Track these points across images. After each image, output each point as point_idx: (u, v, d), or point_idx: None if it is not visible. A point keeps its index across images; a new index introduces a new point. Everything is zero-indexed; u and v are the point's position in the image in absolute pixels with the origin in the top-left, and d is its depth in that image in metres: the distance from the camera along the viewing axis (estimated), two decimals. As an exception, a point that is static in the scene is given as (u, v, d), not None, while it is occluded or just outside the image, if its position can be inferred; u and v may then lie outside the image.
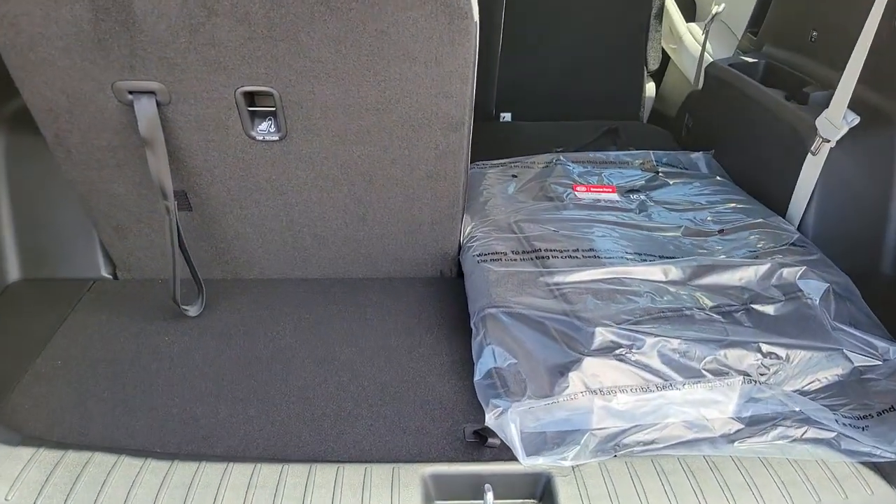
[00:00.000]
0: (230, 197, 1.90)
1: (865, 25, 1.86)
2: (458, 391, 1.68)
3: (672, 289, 1.80)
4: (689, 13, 3.83)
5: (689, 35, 3.52)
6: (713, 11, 3.11)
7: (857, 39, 1.89)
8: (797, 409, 1.53)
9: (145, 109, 1.66)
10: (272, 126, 1.75)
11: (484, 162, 2.54)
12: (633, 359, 1.58)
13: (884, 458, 1.45)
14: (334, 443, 1.53)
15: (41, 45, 1.57)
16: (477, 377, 1.64)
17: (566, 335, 1.65)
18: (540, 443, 1.47)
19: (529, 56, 3.38)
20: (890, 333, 1.74)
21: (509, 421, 1.48)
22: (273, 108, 1.71)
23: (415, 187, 1.89)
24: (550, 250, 1.93)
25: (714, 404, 1.54)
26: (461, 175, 1.88)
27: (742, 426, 1.51)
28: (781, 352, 1.61)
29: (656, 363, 1.58)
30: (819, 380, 1.62)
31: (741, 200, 2.26)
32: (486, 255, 1.94)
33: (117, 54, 1.59)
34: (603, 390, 1.53)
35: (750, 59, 2.65)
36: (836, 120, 1.95)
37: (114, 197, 1.89)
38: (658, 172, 2.49)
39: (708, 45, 3.14)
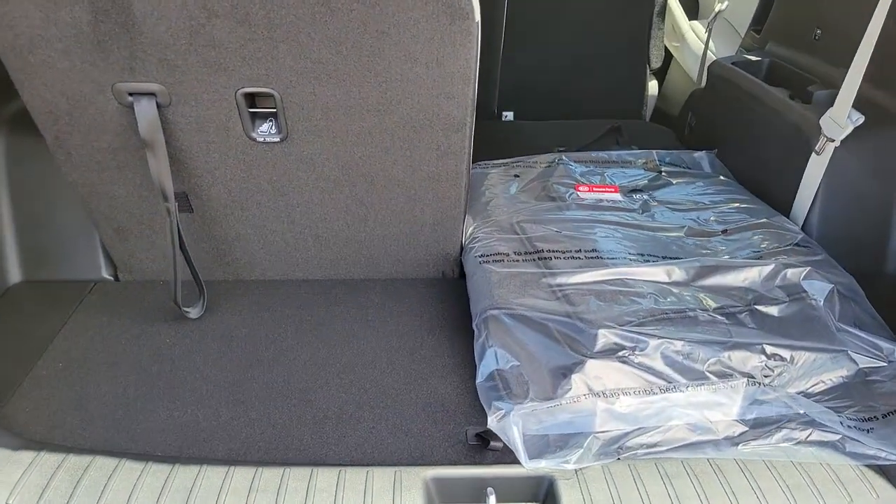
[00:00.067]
0: (231, 198, 1.89)
1: (870, 23, 1.85)
2: (460, 393, 1.67)
3: (675, 290, 1.79)
4: (692, 11, 3.81)
5: (692, 33, 3.51)
6: (716, 9, 3.10)
7: (861, 38, 1.87)
8: (802, 412, 1.52)
9: (145, 111, 1.65)
10: (273, 127, 1.75)
11: (486, 162, 2.53)
12: (636, 361, 1.57)
13: (889, 460, 1.44)
14: (336, 446, 1.53)
15: (40, 48, 1.56)
16: (479, 379, 1.63)
17: (569, 337, 1.64)
18: (542, 446, 1.46)
19: (531, 54, 3.37)
20: (895, 334, 1.72)
21: (512, 423, 1.47)
22: (274, 110, 1.70)
23: (416, 188, 1.88)
24: (553, 251, 1.92)
25: (718, 406, 1.53)
26: (463, 176, 1.87)
27: (746, 429, 1.51)
28: (786, 353, 1.60)
29: (660, 365, 1.57)
30: (823, 381, 1.60)
31: (745, 200, 2.24)
32: (488, 256, 1.93)
33: (117, 56, 1.58)
34: (606, 393, 1.52)
35: (753, 58, 2.64)
36: (840, 119, 1.93)
37: (114, 199, 1.88)
38: (661, 172, 2.48)
39: (711, 43, 3.12)
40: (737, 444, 1.47)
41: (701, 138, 2.87)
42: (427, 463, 1.47)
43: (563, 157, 2.53)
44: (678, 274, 1.84)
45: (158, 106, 1.67)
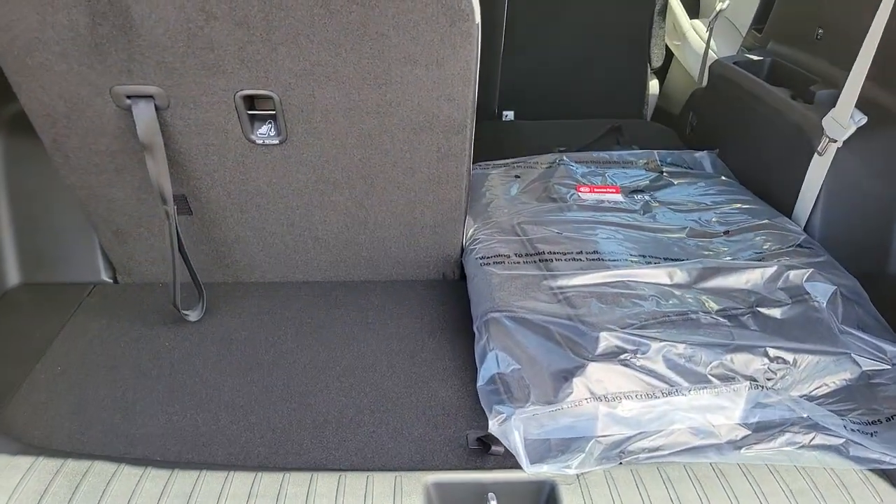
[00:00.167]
0: (230, 201, 1.88)
1: (873, 23, 1.83)
2: (460, 397, 1.67)
3: (677, 292, 1.78)
4: (693, 10, 3.80)
5: (693, 32, 3.49)
6: (717, 8, 3.08)
7: (864, 37, 1.86)
8: (805, 415, 1.51)
9: (144, 114, 1.65)
10: (272, 130, 1.74)
11: (487, 163, 2.52)
12: (638, 364, 1.56)
13: (893, 464, 1.43)
14: (336, 450, 1.52)
15: (38, 50, 1.55)
16: (480, 383, 1.62)
17: (570, 340, 1.63)
18: (544, 450, 1.45)
19: (532, 54, 3.36)
20: (899, 336, 1.72)
21: (513, 428, 1.46)
22: (273, 112, 1.69)
23: (416, 190, 1.87)
24: (554, 253, 1.91)
25: (720, 410, 1.52)
26: (463, 178, 1.86)
27: (749, 432, 1.49)
28: (788, 356, 1.59)
29: (662, 368, 1.56)
30: (827, 384, 1.59)
31: (747, 201, 2.23)
32: (488, 257, 1.92)
33: (115, 59, 1.57)
34: (608, 396, 1.51)
35: (755, 57, 2.62)
36: (843, 119, 1.92)
37: (113, 201, 1.87)
38: (662, 172, 2.47)
39: (712, 42, 3.11)
40: (739, 448, 1.46)
41: (702, 138, 2.86)
42: (428, 468, 1.46)
43: (564, 158, 2.52)
44: (680, 276, 1.82)
45: (157, 108, 1.66)
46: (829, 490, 1.38)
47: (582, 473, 1.41)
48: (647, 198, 2.27)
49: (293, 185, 1.85)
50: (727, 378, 1.56)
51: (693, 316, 1.70)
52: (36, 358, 1.78)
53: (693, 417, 1.50)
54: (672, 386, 1.53)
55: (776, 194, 2.23)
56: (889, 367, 1.62)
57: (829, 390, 1.59)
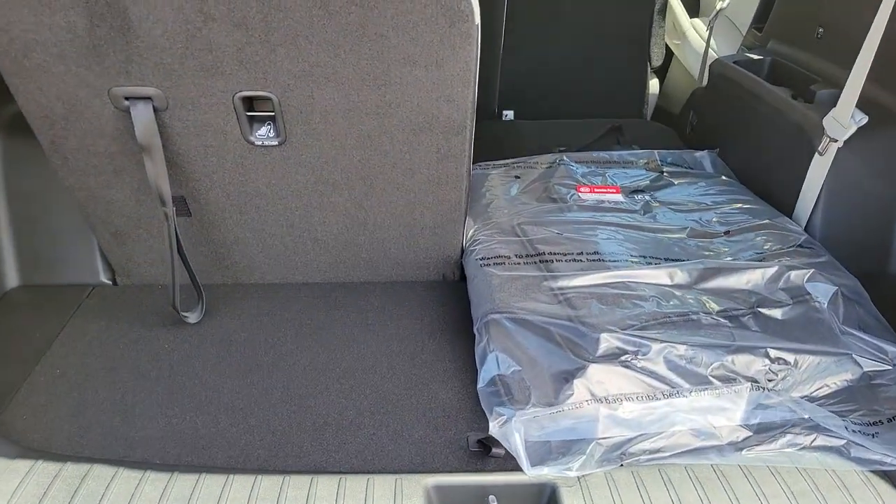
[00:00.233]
0: (229, 202, 1.88)
1: (874, 22, 1.83)
2: (461, 398, 1.66)
3: (678, 293, 1.78)
4: (693, 8, 3.79)
5: (693, 31, 3.49)
6: (717, 7, 3.08)
7: (865, 37, 1.86)
8: (806, 416, 1.51)
9: (142, 115, 1.64)
10: (271, 131, 1.73)
11: (487, 163, 2.51)
12: (639, 365, 1.55)
13: (894, 466, 1.43)
14: (336, 453, 1.51)
15: (36, 52, 1.55)
16: (480, 384, 1.62)
17: (571, 341, 1.62)
18: (545, 452, 1.45)
19: (532, 53, 3.36)
20: (900, 337, 1.71)
21: (513, 430, 1.46)
22: (272, 113, 1.69)
23: (416, 191, 1.86)
24: (554, 254, 1.90)
25: (721, 411, 1.52)
26: (463, 179, 1.86)
27: (750, 434, 1.49)
28: (790, 357, 1.58)
29: (662, 370, 1.55)
30: (828, 385, 1.59)
31: (747, 200, 2.23)
32: (489, 258, 1.91)
33: (113, 60, 1.56)
34: (608, 398, 1.51)
35: (755, 56, 2.62)
36: (843, 119, 1.91)
37: (112, 203, 1.87)
38: (663, 172, 2.46)
39: (712, 41, 3.11)
40: (741, 450, 1.46)
41: (702, 137, 2.85)
42: (428, 470, 1.46)
43: (565, 158, 2.52)
44: (681, 276, 1.82)
45: (155, 110, 1.65)
46: (831, 491, 1.38)
47: (583, 475, 1.41)
48: (647, 198, 2.27)
49: (292, 186, 1.84)
50: (728, 379, 1.55)
51: (694, 317, 1.70)
52: (35, 360, 1.77)
53: (694, 419, 1.50)
54: (673, 387, 1.53)
55: (777, 194, 2.23)
56: (890, 367, 1.62)
57: (830, 391, 1.59)
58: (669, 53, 3.65)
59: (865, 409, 1.55)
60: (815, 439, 1.47)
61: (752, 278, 1.80)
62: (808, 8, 2.38)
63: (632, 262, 1.89)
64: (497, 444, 1.47)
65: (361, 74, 1.60)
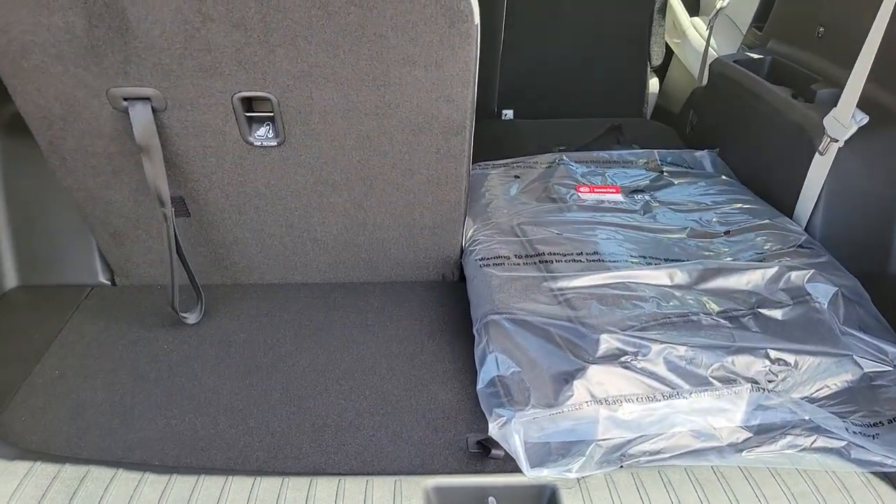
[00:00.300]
0: (228, 203, 1.87)
1: (875, 22, 1.82)
2: (460, 399, 1.66)
3: (678, 293, 1.77)
4: (693, 7, 3.79)
5: (693, 30, 3.48)
6: (717, 5, 3.07)
7: (865, 36, 1.85)
8: (806, 417, 1.51)
9: (140, 116, 1.63)
10: (270, 131, 1.73)
11: (486, 163, 2.51)
12: (638, 366, 1.55)
13: (895, 467, 1.42)
14: (335, 455, 1.51)
15: (33, 53, 1.54)
16: (480, 385, 1.62)
17: (570, 342, 1.62)
18: (544, 454, 1.44)
19: (531, 52, 3.35)
20: (900, 337, 1.71)
21: (513, 431, 1.45)
22: (271, 114, 1.68)
23: (416, 192, 1.86)
24: (554, 254, 1.90)
25: (721, 413, 1.51)
26: (463, 179, 1.85)
27: (750, 435, 1.49)
28: (790, 358, 1.58)
29: (662, 371, 1.55)
30: (828, 386, 1.59)
31: (747, 200, 2.22)
32: (488, 259, 1.91)
33: (111, 60, 1.56)
34: (608, 399, 1.51)
35: (755, 55, 2.62)
36: (844, 119, 1.91)
37: (110, 203, 1.86)
38: (663, 172, 2.46)
39: (712, 40, 3.10)
40: (741, 451, 1.46)
41: (702, 136, 2.85)
42: (427, 472, 1.45)
43: (564, 158, 2.51)
44: (681, 277, 1.82)
45: (154, 110, 1.65)
46: (831, 493, 1.37)
47: (582, 477, 1.41)
48: (647, 198, 2.26)
49: (291, 186, 1.84)
50: (728, 380, 1.55)
51: (694, 317, 1.69)
52: (33, 361, 1.77)
53: (694, 420, 1.50)
54: (673, 388, 1.53)
55: (777, 194, 2.22)
56: (891, 368, 1.62)
57: (830, 392, 1.58)
58: (669, 52, 3.65)
59: (866, 410, 1.55)
60: (815, 441, 1.46)
61: (753, 279, 1.80)
62: (808, 7, 2.38)
63: (632, 262, 1.89)
64: (497, 445, 1.47)
65: (360, 75, 1.60)
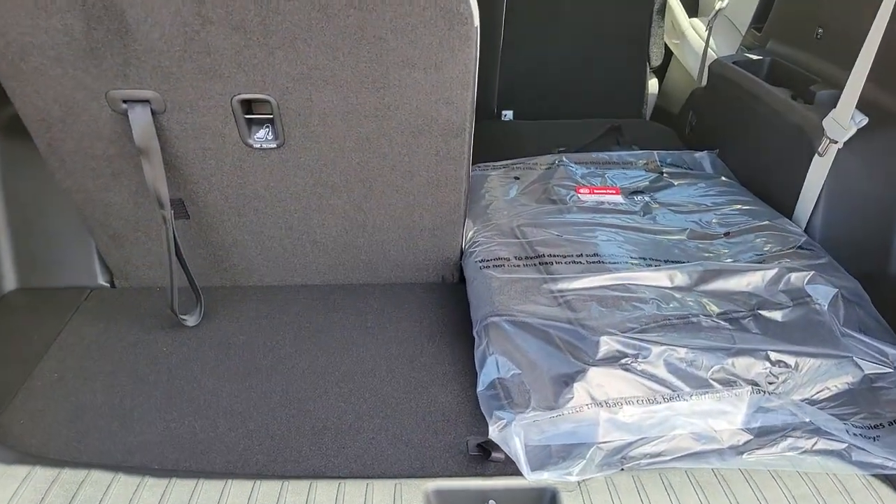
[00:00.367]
0: (228, 205, 1.87)
1: (874, 23, 1.82)
2: (461, 402, 1.66)
3: (678, 295, 1.77)
4: (692, 8, 3.78)
5: (692, 31, 3.48)
6: (717, 7, 3.07)
7: (864, 37, 1.85)
8: (807, 420, 1.50)
9: (140, 118, 1.63)
10: (270, 133, 1.72)
11: (486, 164, 2.51)
12: (639, 368, 1.55)
13: (895, 469, 1.42)
14: (335, 458, 1.51)
15: (32, 55, 1.54)
16: (480, 388, 1.61)
17: (571, 344, 1.62)
18: (545, 456, 1.44)
19: (531, 53, 3.35)
20: (900, 339, 1.71)
21: (513, 434, 1.45)
22: (270, 116, 1.68)
23: (415, 194, 1.86)
24: (554, 255, 1.90)
25: (722, 415, 1.51)
26: (462, 181, 1.85)
27: (751, 437, 1.49)
28: (790, 360, 1.58)
29: (663, 373, 1.55)
30: (829, 388, 1.59)
31: (747, 202, 2.22)
32: (488, 261, 1.90)
33: (110, 63, 1.56)
34: (609, 402, 1.50)
35: (754, 56, 2.61)
36: (843, 120, 1.91)
37: (110, 206, 1.86)
38: (662, 173, 2.46)
39: (711, 41, 3.10)
40: (741, 454, 1.45)
41: (702, 137, 2.85)
42: (428, 475, 1.45)
43: (564, 159, 2.51)
44: (681, 278, 1.82)
45: (153, 113, 1.64)
46: (832, 496, 1.37)
47: (583, 480, 1.40)
48: (647, 199, 2.26)
49: (291, 188, 1.84)
50: (729, 382, 1.55)
51: (694, 319, 1.69)
52: (32, 363, 1.76)
53: (695, 422, 1.50)
54: (673, 391, 1.52)
55: (777, 195, 2.22)
56: (891, 370, 1.62)
57: (830, 394, 1.58)
58: (669, 53, 3.65)
59: (866, 412, 1.54)
60: (815, 443, 1.46)
61: (753, 280, 1.80)
62: (807, 8, 2.38)
63: (632, 263, 1.88)
64: (497, 448, 1.47)
65: (360, 77, 1.60)
